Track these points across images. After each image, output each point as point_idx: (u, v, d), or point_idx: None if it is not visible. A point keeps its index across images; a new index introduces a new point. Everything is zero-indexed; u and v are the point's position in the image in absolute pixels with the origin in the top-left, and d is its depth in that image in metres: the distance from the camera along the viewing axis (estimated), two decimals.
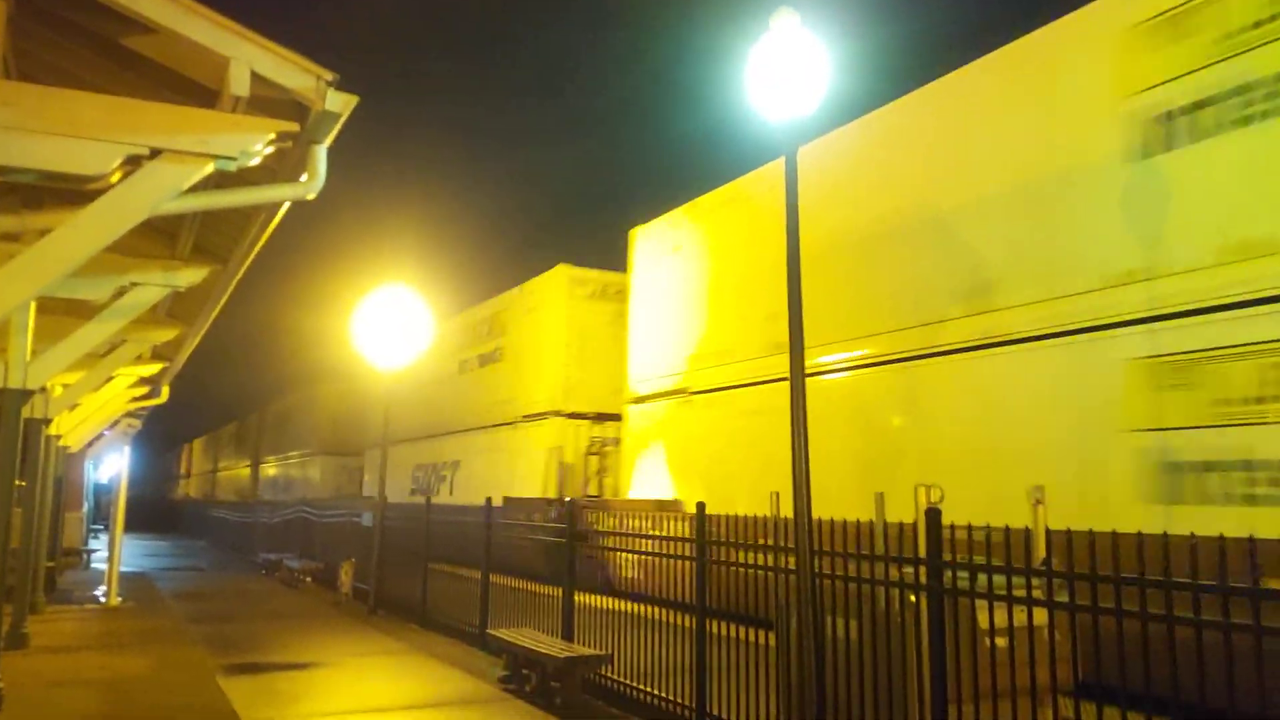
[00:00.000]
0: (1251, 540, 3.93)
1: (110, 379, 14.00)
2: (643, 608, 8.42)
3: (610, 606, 9.00)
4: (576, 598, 9.63)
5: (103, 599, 15.70)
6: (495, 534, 11.76)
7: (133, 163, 5.20)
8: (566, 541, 9.83)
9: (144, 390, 16.85)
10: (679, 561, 7.97)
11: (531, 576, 10.59)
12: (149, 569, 23.31)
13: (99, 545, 26.35)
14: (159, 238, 8.89)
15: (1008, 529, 5.15)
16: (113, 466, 24.63)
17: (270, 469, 44.36)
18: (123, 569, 17.38)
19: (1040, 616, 5.10)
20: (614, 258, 19.50)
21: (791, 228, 6.08)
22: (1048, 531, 5.22)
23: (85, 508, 25.63)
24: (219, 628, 13.13)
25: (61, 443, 16.05)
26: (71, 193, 5.84)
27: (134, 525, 37.87)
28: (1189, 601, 4.21)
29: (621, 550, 9.01)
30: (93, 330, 8.74)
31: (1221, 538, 4.06)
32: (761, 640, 6.86)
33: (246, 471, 49.27)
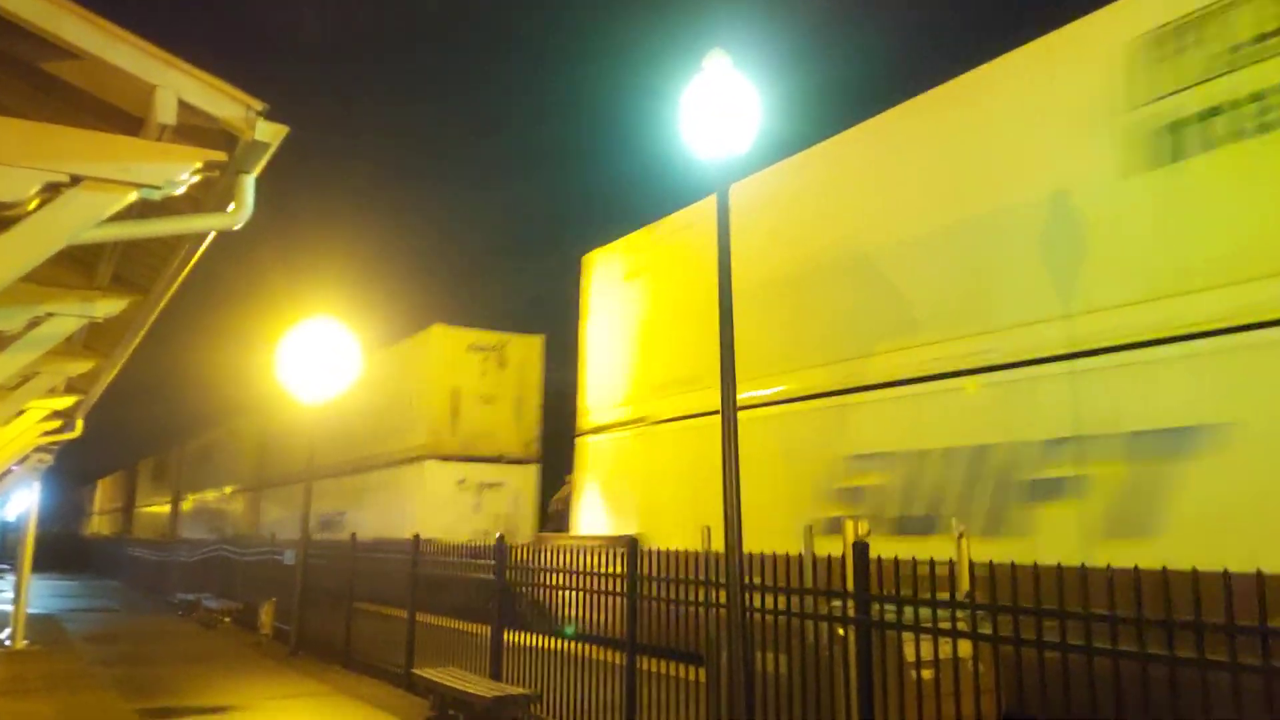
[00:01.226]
0: (1164, 571, 4.05)
1: (21, 412, 13.48)
2: (573, 645, 8.34)
3: (540, 645, 8.89)
4: (506, 635, 9.51)
5: (7, 642, 15.02)
6: (422, 571, 11.57)
7: (51, 190, 5.04)
8: (495, 579, 9.72)
9: (57, 424, 16.25)
10: (611, 598, 7.93)
11: (461, 615, 10.42)
12: (58, 610, 22.38)
13: (4, 586, 25.23)
14: (77, 267, 8.61)
15: (933, 562, 5.24)
16: (22, 503, 23.72)
17: (188, 505, 43.12)
18: (30, 610, 16.65)
19: (966, 649, 5.19)
20: (545, 293, 20.00)
21: (723, 263, 6.15)
22: (971, 564, 5.32)
23: None
24: (132, 670, 12.65)
25: None
26: None
27: (43, 564, 36.30)
28: (1108, 633, 4.32)
29: (553, 587, 8.93)
30: (3, 361, 8.41)
31: (1136, 569, 4.18)
32: (692, 676, 6.85)
33: (164, 508, 47.81)
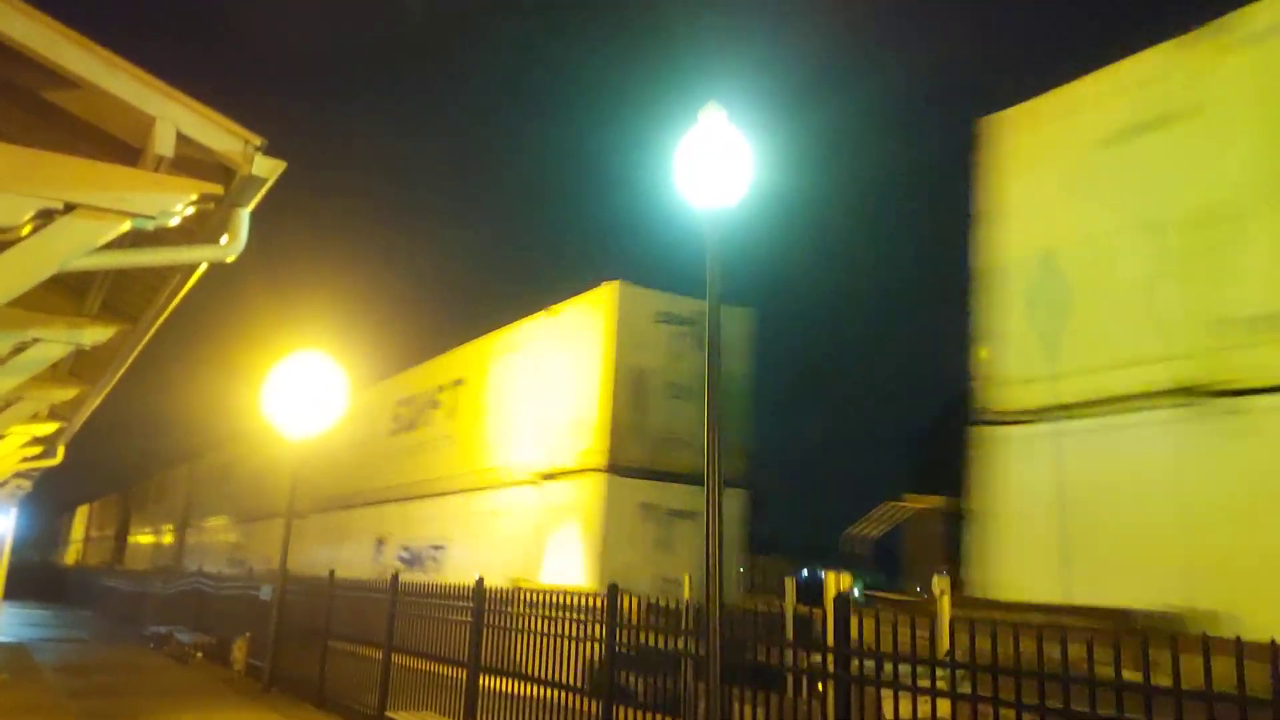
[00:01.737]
0: (1145, 637, 4.04)
1: (1, 437, 13.39)
2: (550, 692, 8.24)
3: (517, 690, 8.78)
4: (481, 680, 9.39)
5: None
6: (401, 610, 11.44)
7: (45, 216, 5.06)
8: (473, 621, 9.62)
9: (37, 450, 16.14)
10: (591, 644, 7.86)
11: (444, 659, 10.28)
12: (28, 639, 22.00)
13: None
14: (66, 293, 8.61)
15: (914, 620, 5.21)
16: None
17: (171, 537, 42.67)
18: (0, 639, 16.38)
19: (945, 708, 5.15)
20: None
21: (713, 321, 6.19)
22: (952, 622, 5.30)
23: None
24: (101, 703, 12.42)
25: None
26: None
27: (16, 592, 35.84)
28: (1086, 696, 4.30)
29: (530, 631, 8.84)
30: None
31: (1116, 630, 4.17)
32: None
33: (144, 539, 47.30)
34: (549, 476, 16.10)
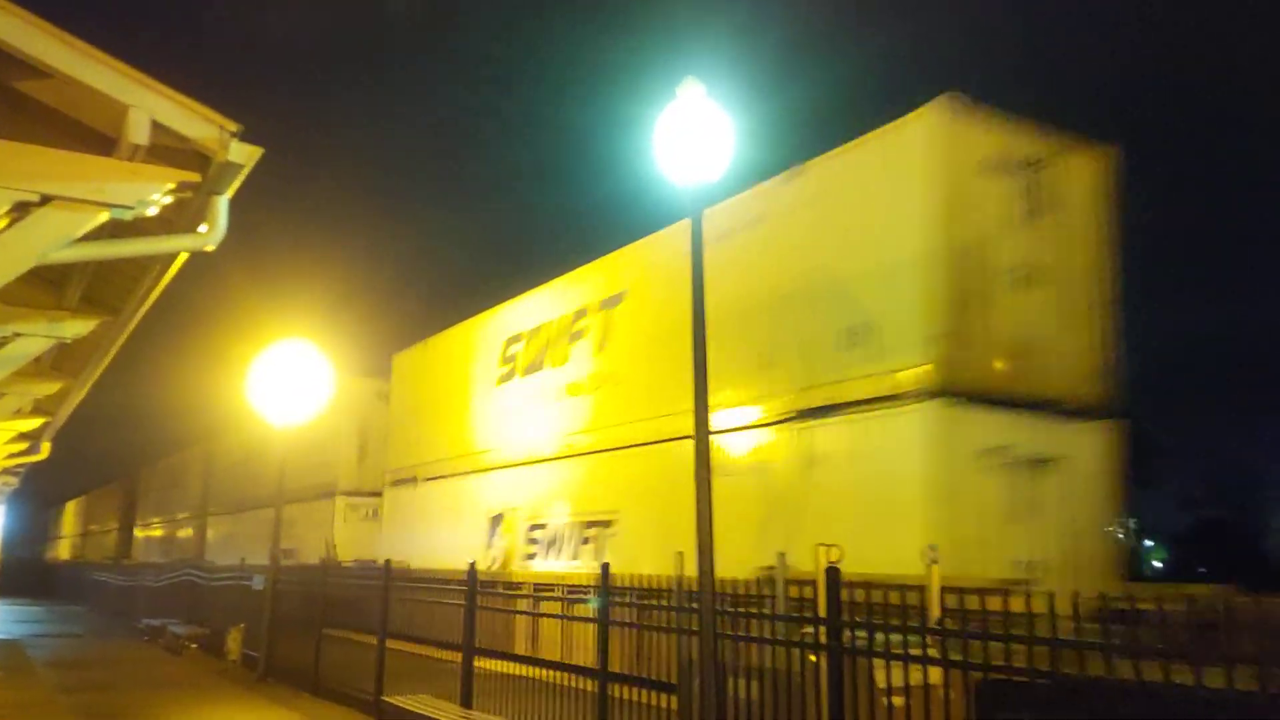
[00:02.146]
0: (1132, 600, 4.08)
1: None
2: (544, 673, 8.28)
3: (513, 671, 8.82)
4: (477, 663, 9.43)
5: None
6: (394, 596, 11.46)
7: (21, 209, 5.01)
8: (466, 604, 9.64)
9: (23, 446, 16.03)
10: (583, 624, 7.89)
11: (435, 642, 10.31)
12: (20, 635, 21.96)
13: None
14: (45, 286, 8.52)
15: (904, 589, 5.25)
16: None
17: (156, 530, 42.54)
18: None
19: (936, 675, 5.19)
20: None
21: (697, 288, 6.18)
22: (941, 590, 5.34)
23: None
24: (95, 697, 12.41)
25: None
26: None
27: (7, 589, 35.77)
28: (1075, 659, 4.34)
29: (523, 613, 8.88)
30: None
31: (1104, 596, 4.21)
32: (664, 703, 6.81)
33: (134, 533, 47.16)
34: (813, 412, 10.68)
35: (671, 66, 6.24)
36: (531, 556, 15.74)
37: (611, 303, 14.98)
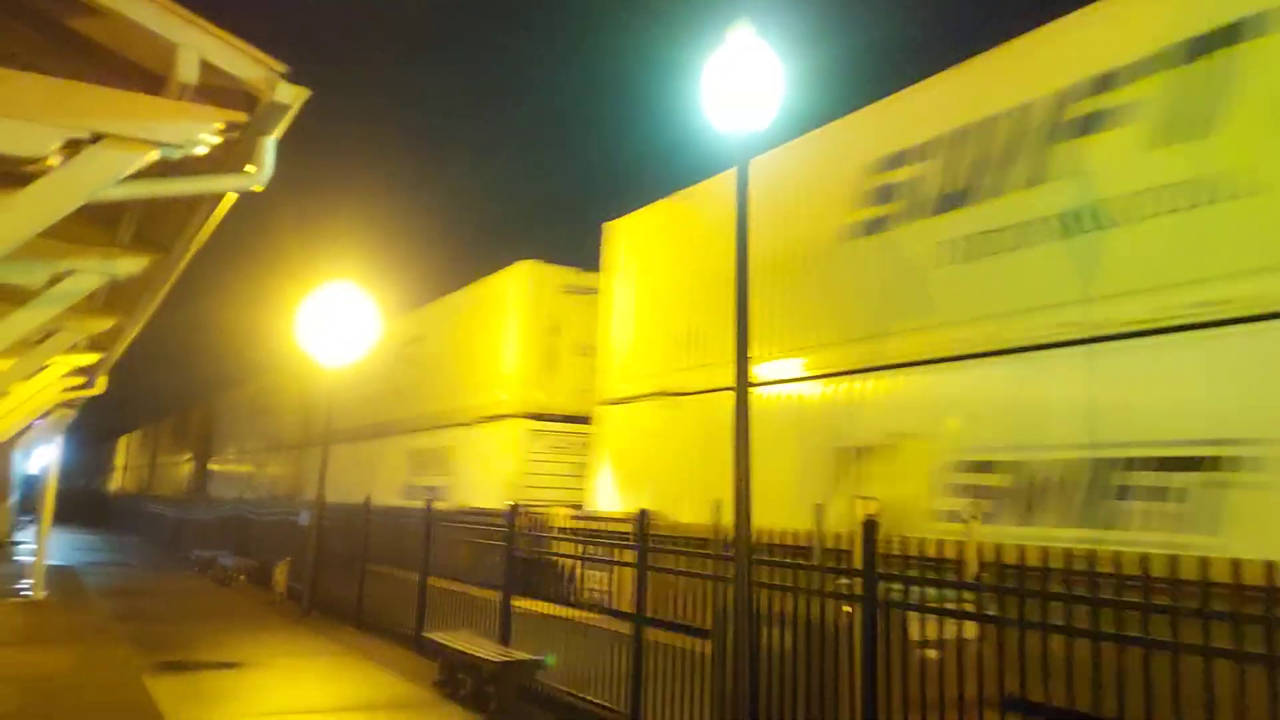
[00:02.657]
0: (1173, 559, 4.03)
1: (43, 368, 13.60)
2: (581, 614, 8.41)
3: (550, 612, 8.96)
4: (515, 602, 9.59)
5: (27, 593, 15.28)
6: (436, 535, 11.66)
7: (73, 146, 5.06)
8: (505, 544, 9.79)
9: (79, 381, 16.41)
10: (619, 569, 7.98)
11: (475, 581, 10.49)
12: (78, 563, 22.72)
13: (26, 537, 25.63)
14: (98, 224, 8.66)
15: (941, 543, 5.23)
16: (44, 457, 24.04)
17: (211, 464, 43.52)
18: (50, 562, 16.94)
19: (971, 630, 5.19)
20: (572, 259, 18.51)
21: (741, 238, 6.12)
22: (980, 547, 5.32)
23: (13, 499, 24.93)
24: (147, 625, 12.84)
25: None
26: (8, 175, 5.69)
27: (64, 518, 36.91)
28: (1112, 618, 4.31)
29: (562, 556, 8.99)
30: (25, 316, 8.50)
31: (1144, 556, 4.16)
32: (697, 649, 6.89)
33: (186, 467, 48.32)
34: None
35: (724, 9, 6.10)
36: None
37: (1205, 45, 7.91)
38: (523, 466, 17.75)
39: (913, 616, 5.38)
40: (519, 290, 18.75)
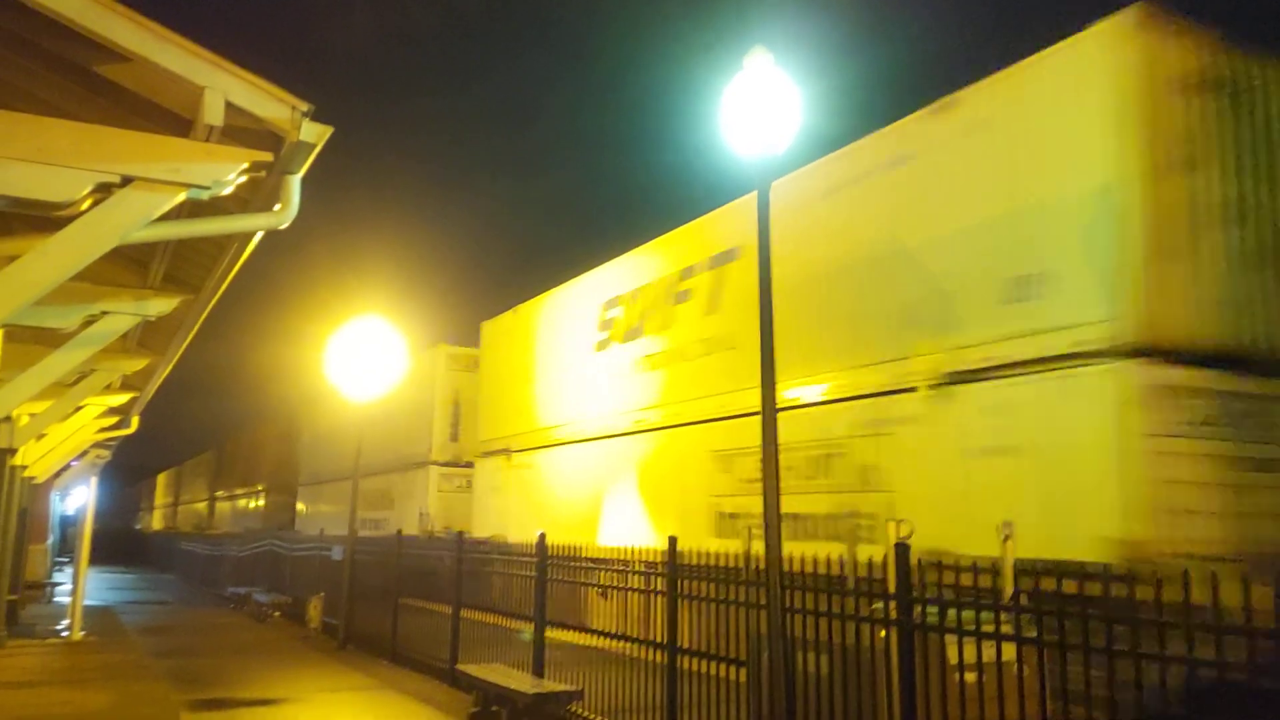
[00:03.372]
0: (1214, 575, 3.96)
1: (78, 409, 13.82)
2: (614, 644, 8.36)
3: (583, 642, 8.92)
4: (548, 633, 9.55)
5: (65, 633, 15.40)
6: (467, 567, 11.65)
7: (103, 190, 5.17)
8: (537, 575, 9.76)
9: (113, 420, 16.64)
10: (651, 597, 7.93)
11: (507, 613, 10.47)
12: (114, 602, 22.90)
13: (63, 578, 25.88)
14: (130, 266, 8.82)
15: (976, 565, 5.16)
16: (80, 498, 24.31)
17: (243, 501, 43.81)
18: (87, 602, 17.08)
19: (1010, 652, 5.11)
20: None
21: (763, 262, 6.11)
22: (1016, 566, 5.24)
23: (50, 540, 25.20)
24: (184, 662, 12.90)
25: (27, 473, 15.81)
26: (41, 219, 5.81)
27: (100, 558, 37.24)
28: (1155, 637, 4.23)
29: (591, 584, 8.95)
30: (60, 359, 8.64)
31: (1186, 572, 4.09)
32: (733, 676, 6.82)
33: (222, 505, 48.67)
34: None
35: (741, 36, 6.14)
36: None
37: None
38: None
39: (950, 639, 5.30)
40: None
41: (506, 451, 18.59)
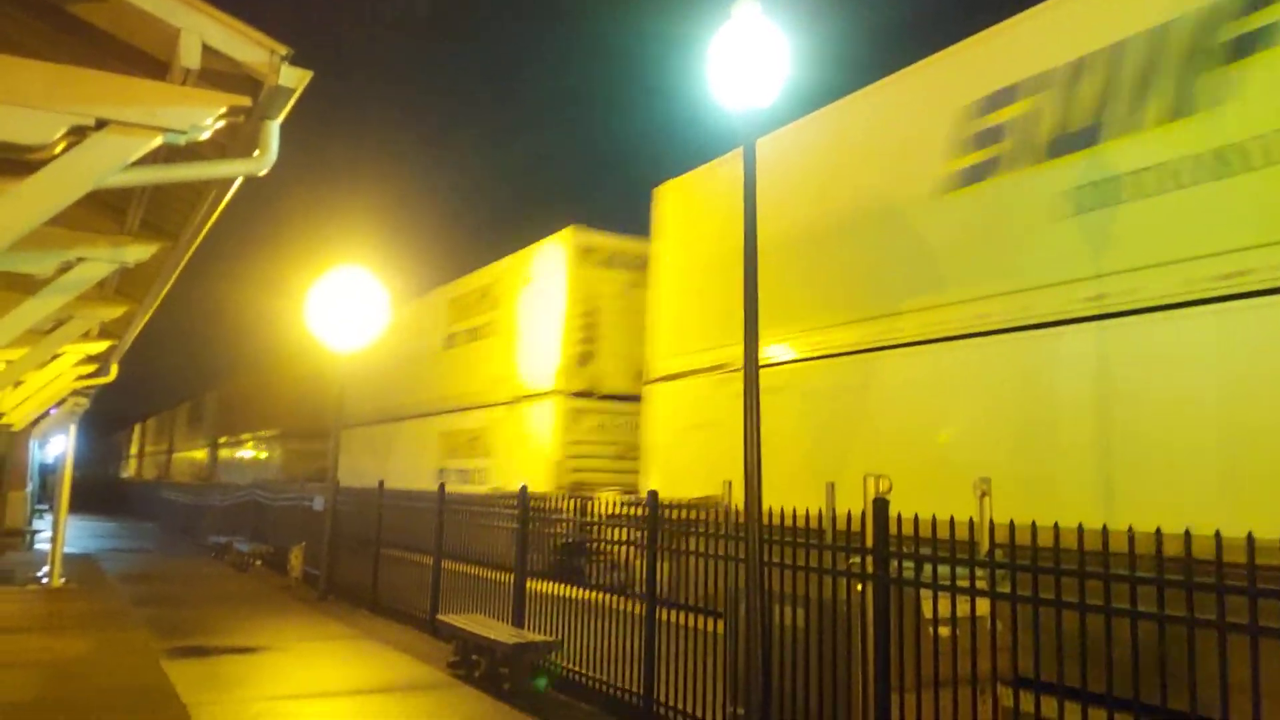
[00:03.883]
0: (1187, 534, 4.00)
1: (56, 356, 13.69)
2: (594, 595, 8.43)
3: (562, 593, 8.99)
4: (528, 584, 9.62)
5: (45, 580, 15.41)
6: (449, 518, 11.69)
7: (77, 133, 5.06)
8: (518, 526, 9.81)
9: (92, 368, 16.49)
10: (632, 549, 7.99)
11: (496, 565, 10.51)
12: (95, 550, 22.90)
13: (43, 525, 25.85)
14: (106, 212, 8.68)
15: (953, 520, 5.21)
16: (59, 446, 24.21)
17: (225, 451, 43.78)
18: (67, 550, 17.08)
19: (984, 607, 5.17)
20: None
21: (749, 218, 6.08)
22: (991, 523, 5.29)
23: (30, 487, 25.12)
24: (164, 610, 12.94)
25: (4, 420, 15.71)
26: (13, 163, 5.69)
27: (81, 506, 37.21)
28: (1127, 594, 4.28)
29: (574, 538, 9.01)
30: (36, 305, 8.53)
31: (1159, 531, 4.13)
32: (710, 628, 6.89)
33: (200, 454, 48.61)
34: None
35: None
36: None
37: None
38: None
39: (926, 594, 5.36)
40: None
41: (713, 370, 13.21)
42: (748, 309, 5.99)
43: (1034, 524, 4.69)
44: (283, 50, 5.28)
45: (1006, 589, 4.90)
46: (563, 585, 9.03)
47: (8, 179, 5.46)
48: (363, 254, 16.97)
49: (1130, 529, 4.23)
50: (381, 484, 14.40)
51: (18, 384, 14.60)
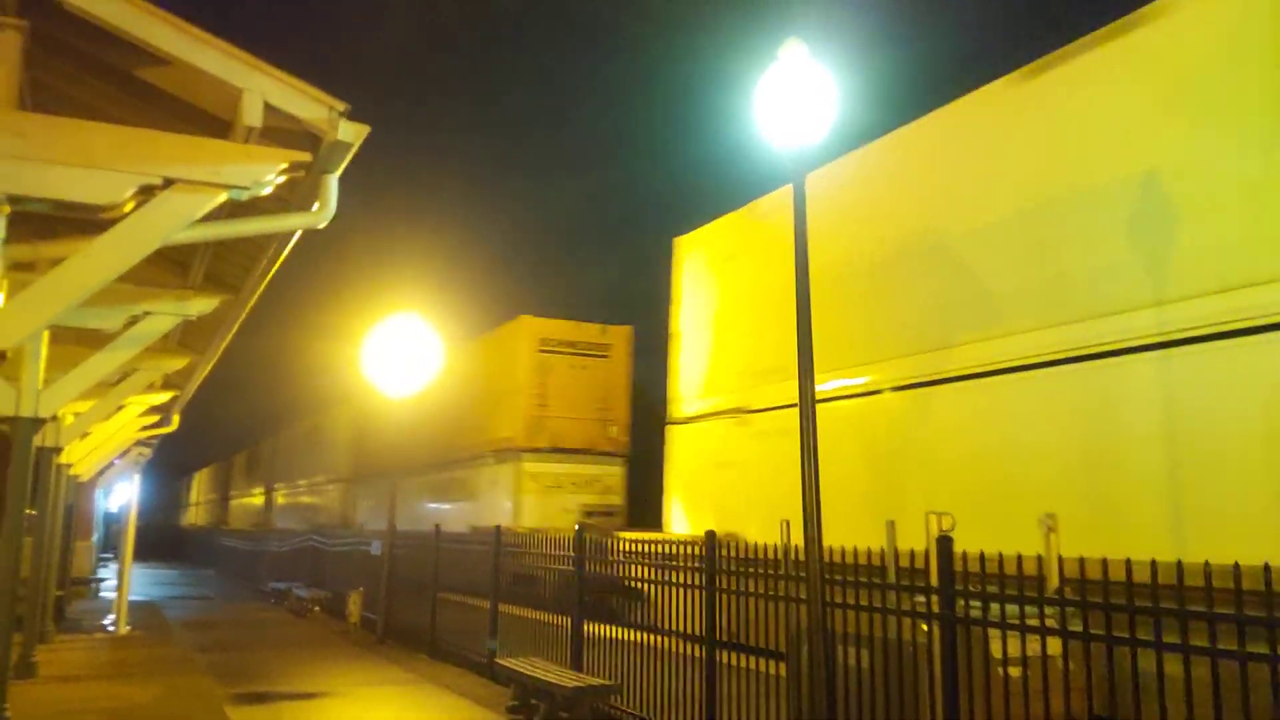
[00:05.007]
0: (1266, 568, 3.89)
1: (121, 407, 14.02)
2: (653, 638, 8.36)
3: (620, 637, 8.93)
4: (586, 627, 9.57)
5: (111, 628, 15.67)
6: (505, 561, 11.71)
7: (145, 192, 5.23)
8: (575, 569, 9.78)
9: (155, 419, 16.87)
10: (690, 591, 7.92)
11: (543, 606, 10.50)
12: (158, 597, 23.26)
13: (108, 574, 26.31)
14: (171, 267, 8.94)
15: (1020, 557, 5.11)
16: (123, 495, 24.70)
17: (281, 496, 44.30)
18: (131, 597, 17.35)
19: (1055, 646, 5.06)
20: (625, 279, 18.71)
21: (800, 253, 6.08)
22: (1060, 559, 5.18)
23: (95, 536, 25.63)
24: (227, 656, 13.08)
25: (72, 471, 16.06)
26: (85, 222, 5.89)
27: (143, 554, 37.90)
28: (1205, 631, 4.16)
29: (630, 579, 8.96)
30: (104, 359, 8.76)
31: (1236, 565, 4.02)
32: (773, 671, 6.80)
33: (257, 499, 49.22)
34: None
35: (776, 27, 6.09)
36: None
37: None
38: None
39: (994, 633, 5.25)
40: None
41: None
42: (801, 345, 5.97)
43: (1105, 560, 4.58)
44: (340, 106, 5.43)
45: (1078, 627, 4.78)
46: (620, 627, 8.98)
47: (80, 238, 5.65)
48: (417, 299, 17.19)
49: (1207, 564, 4.12)
50: (438, 528, 14.48)
51: (85, 435, 14.94)
